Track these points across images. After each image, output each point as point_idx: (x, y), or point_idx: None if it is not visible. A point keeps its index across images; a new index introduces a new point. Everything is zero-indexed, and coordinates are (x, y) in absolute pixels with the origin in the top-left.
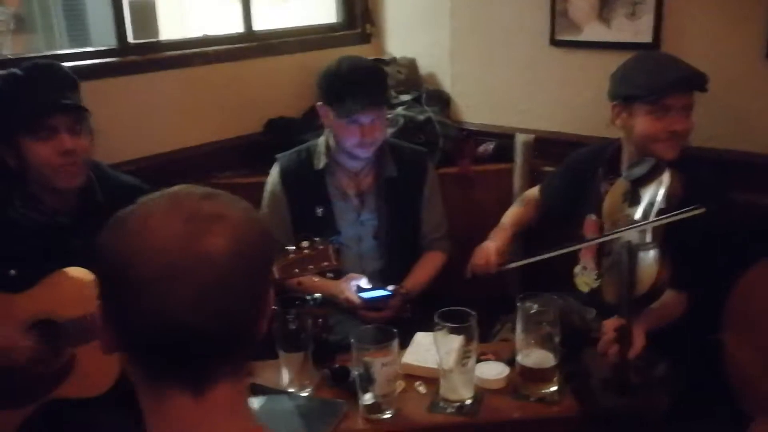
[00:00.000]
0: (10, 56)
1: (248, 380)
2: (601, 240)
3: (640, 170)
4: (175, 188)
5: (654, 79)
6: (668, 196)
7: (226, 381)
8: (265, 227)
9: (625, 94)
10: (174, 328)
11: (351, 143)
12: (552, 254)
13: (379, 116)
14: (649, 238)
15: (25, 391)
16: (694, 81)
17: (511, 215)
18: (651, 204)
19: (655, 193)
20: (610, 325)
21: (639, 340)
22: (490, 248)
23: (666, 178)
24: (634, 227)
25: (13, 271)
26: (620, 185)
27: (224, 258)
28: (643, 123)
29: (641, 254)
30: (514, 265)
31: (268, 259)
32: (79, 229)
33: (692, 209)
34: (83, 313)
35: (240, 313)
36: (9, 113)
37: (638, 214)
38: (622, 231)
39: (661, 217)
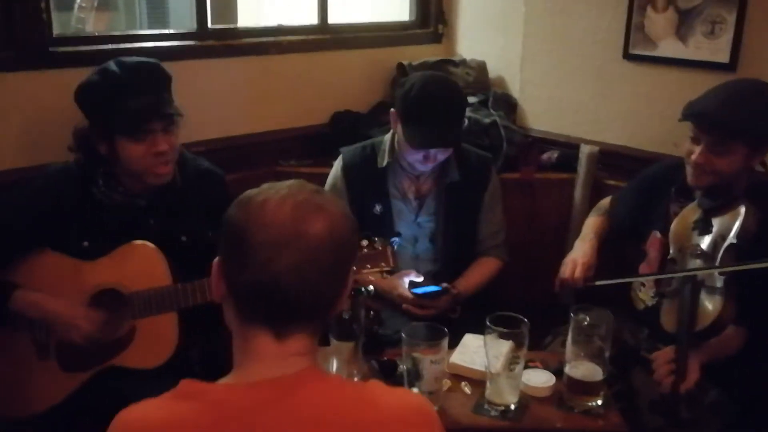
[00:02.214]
0: (96, 34)
1: (318, 337)
2: (687, 274)
3: (715, 200)
4: (293, 181)
5: (690, 105)
6: (741, 232)
7: (302, 333)
8: (356, 226)
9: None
10: (272, 285)
11: (412, 159)
12: (641, 278)
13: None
14: (717, 279)
15: (86, 356)
16: (700, 119)
17: (592, 225)
18: (722, 237)
19: (728, 226)
20: (664, 356)
21: (693, 374)
22: (577, 262)
23: (742, 211)
24: (725, 269)
25: (86, 243)
26: (692, 211)
27: (320, 239)
28: (686, 141)
29: (707, 291)
30: (601, 283)
31: (354, 251)
32: (155, 210)
33: None
34: (147, 286)
35: (323, 286)
36: (109, 112)
37: (706, 244)
38: (710, 269)
39: (753, 262)
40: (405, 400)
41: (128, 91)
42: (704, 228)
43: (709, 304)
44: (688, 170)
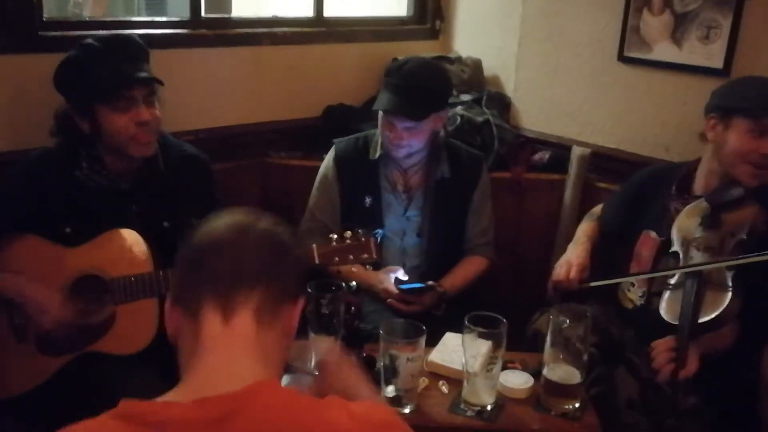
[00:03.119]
0: (88, 18)
1: (266, 324)
2: (680, 270)
3: (726, 196)
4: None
5: (764, 95)
6: (752, 230)
7: (251, 317)
8: (297, 244)
9: (728, 105)
10: (213, 246)
11: (383, 137)
12: (635, 277)
13: (413, 127)
14: (728, 274)
15: (65, 340)
16: None
17: (584, 229)
18: (731, 234)
19: (739, 223)
20: (664, 344)
21: (693, 363)
22: (572, 264)
23: (753, 210)
24: (725, 263)
25: (68, 229)
26: (699, 207)
27: (260, 229)
28: (737, 138)
29: (716, 287)
30: (596, 283)
31: (297, 261)
32: (137, 195)
33: None
34: (128, 273)
35: (264, 259)
36: (88, 83)
37: (713, 239)
38: (706, 266)
39: (744, 257)
40: (369, 415)
41: (105, 60)
42: (712, 223)
43: (715, 298)
44: (751, 169)
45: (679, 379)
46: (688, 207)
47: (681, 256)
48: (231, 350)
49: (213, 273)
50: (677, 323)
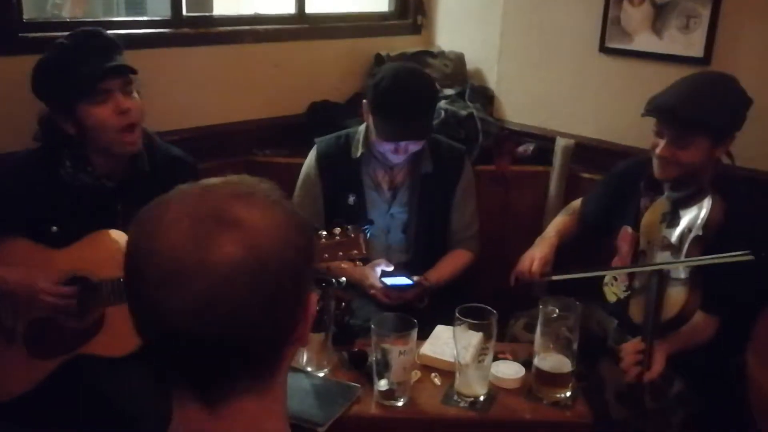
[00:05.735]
0: (68, 19)
1: (282, 396)
2: (641, 269)
3: (682, 192)
4: (211, 181)
5: (652, 99)
6: (707, 224)
7: (247, 397)
8: (294, 236)
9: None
10: (169, 335)
11: (383, 150)
12: (596, 274)
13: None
14: (681, 269)
15: (55, 343)
16: (660, 113)
17: (557, 224)
18: (688, 229)
19: (695, 218)
20: (632, 347)
21: (658, 364)
22: (535, 257)
23: (707, 203)
24: (677, 263)
25: (55, 228)
26: (661, 204)
27: (229, 267)
28: (650, 136)
29: (671, 282)
30: (557, 277)
31: (296, 268)
32: (123, 194)
33: (740, 255)
34: (118, 275)
35: (249, 327)
36: (64, 82)
37: (674, 237)
38: (661, 265)
39: (703, 258)
40: None
41: (76, 57)
42: (672, 220)
43: (674, 295)
44: (655, 163)
45: (644, 381)
46: (653, 204)
47: (647, 254)
48: None
49: (176, 353)
50: (641, 324)
